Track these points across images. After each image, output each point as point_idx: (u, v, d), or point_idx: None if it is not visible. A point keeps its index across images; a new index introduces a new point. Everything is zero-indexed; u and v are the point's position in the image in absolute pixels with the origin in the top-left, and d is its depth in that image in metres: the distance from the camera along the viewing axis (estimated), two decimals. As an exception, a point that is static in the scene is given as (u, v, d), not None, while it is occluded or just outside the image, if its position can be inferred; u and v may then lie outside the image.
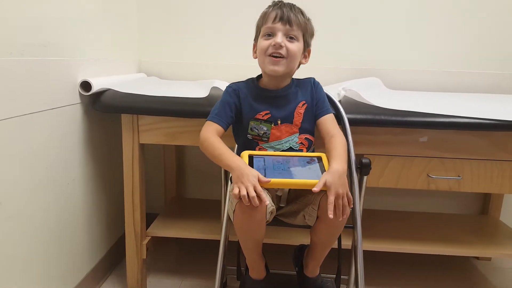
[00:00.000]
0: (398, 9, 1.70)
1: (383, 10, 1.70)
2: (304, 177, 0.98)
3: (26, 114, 1.03)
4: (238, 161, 0.97)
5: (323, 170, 1.00)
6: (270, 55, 1.05)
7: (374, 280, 1.58)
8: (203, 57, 1.79)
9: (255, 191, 0.90)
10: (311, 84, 1.17)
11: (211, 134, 1.06)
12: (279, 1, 1.09)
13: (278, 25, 1.05)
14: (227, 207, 1.11)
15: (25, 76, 1.01)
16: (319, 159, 1.06)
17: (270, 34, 1.06)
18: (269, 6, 1.09)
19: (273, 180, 0.96)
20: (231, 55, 1.77)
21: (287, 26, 1.04)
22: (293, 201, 1.12)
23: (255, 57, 1.13)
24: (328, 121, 1.14)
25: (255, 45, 1.14)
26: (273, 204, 1.02)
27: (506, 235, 1.57)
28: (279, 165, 1.03)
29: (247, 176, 0.92)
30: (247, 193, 0.90)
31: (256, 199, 0.90)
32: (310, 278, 1.20)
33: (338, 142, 1.08)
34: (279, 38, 1.04)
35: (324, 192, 0.97)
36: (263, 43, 1.06)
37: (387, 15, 1.70)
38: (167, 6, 1.76)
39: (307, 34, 1.10)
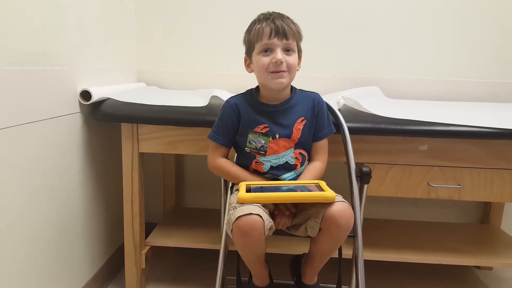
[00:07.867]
0: (397, 19, 1.71)
1: (382, 20, 1.71)
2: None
3: (26, 123, 1.03)
4: (250, 177, 1.13)
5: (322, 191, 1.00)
6: (272, 72, 1.05)
7: (375, 290, 1.57)
8: (202, 66, 1.80)
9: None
10: (314, 102, 1.15)
11: (221, 161, 1.15)
12: (268, 14, 1.08)
13: (275, 41, 1.04)
14: (225, 227, 1.09)
15: (25, 85, 1.02)
16: (318, 185, 1.04)
17: (267, 50, 1.06)
18: (259, 21, 1.07)
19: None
20: (230, 64, 1.78)
21: (284, 40, 1.04)
22: (294, 215, 1.10)
23: (250, 71, 1.13)
24: (318, 147, 1.17)
25: (246, 59, 1.14)
26: (271, 220, 1.00)
27: (508, 244, 1.56)
28: (276, 187, 1.04)
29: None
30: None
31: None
32: (308, 286, 1.19)
33: (314, 167, 1.15)
34: (279, 54, 1.03)
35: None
36: (263, 60, 1.05)
37: (386, 24, 1.71)
38: (166, 15, 1.77)
39: (300, 41, 1.11)
